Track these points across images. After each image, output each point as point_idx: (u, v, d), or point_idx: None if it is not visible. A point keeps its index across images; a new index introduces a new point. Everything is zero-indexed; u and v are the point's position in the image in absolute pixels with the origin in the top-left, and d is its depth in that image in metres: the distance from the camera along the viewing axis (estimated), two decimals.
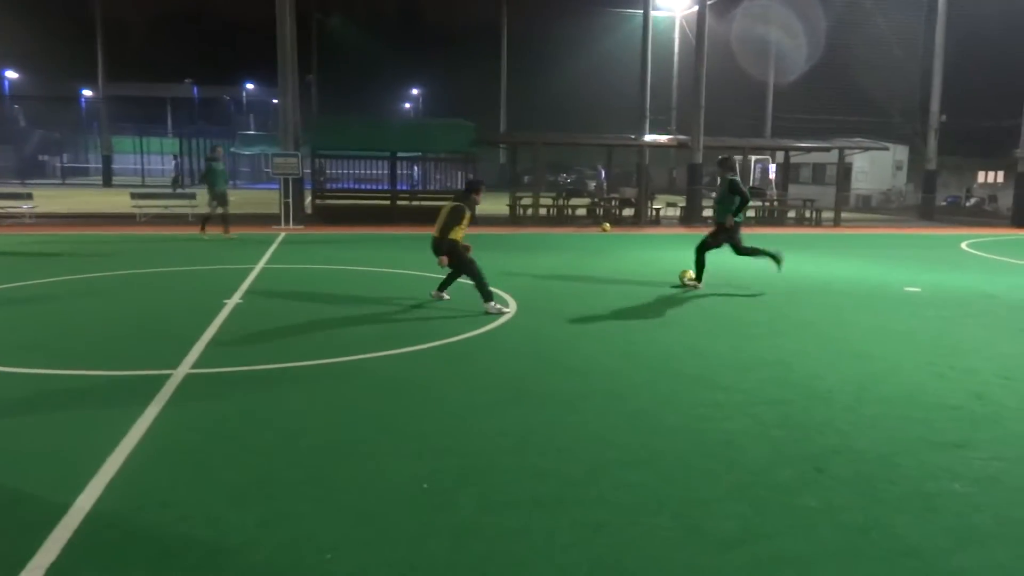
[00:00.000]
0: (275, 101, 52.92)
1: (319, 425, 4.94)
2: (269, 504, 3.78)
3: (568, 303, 9.45)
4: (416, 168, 31.27)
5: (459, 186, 19.33)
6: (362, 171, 27.70)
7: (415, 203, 22.69)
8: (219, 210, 16.14)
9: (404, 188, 26.23)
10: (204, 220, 16.43)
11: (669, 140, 26.91)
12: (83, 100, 52.96)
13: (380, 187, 25.33)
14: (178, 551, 3.32)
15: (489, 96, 42.51)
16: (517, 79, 43.25)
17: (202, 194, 18.37)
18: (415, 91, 61.06)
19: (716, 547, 3.45)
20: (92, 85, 46.32)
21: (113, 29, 41.87)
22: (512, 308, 8.95)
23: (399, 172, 25.02)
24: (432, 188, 27.72)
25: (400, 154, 23.90)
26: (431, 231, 8.87)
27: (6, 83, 52.60)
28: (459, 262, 8.84)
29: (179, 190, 27.69)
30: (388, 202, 22.27)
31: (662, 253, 15.32)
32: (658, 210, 24.78)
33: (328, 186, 24.29)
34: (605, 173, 27.88)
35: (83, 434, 4.68)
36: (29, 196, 20.84)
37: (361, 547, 3.39)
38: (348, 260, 13.29)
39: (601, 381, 6.07)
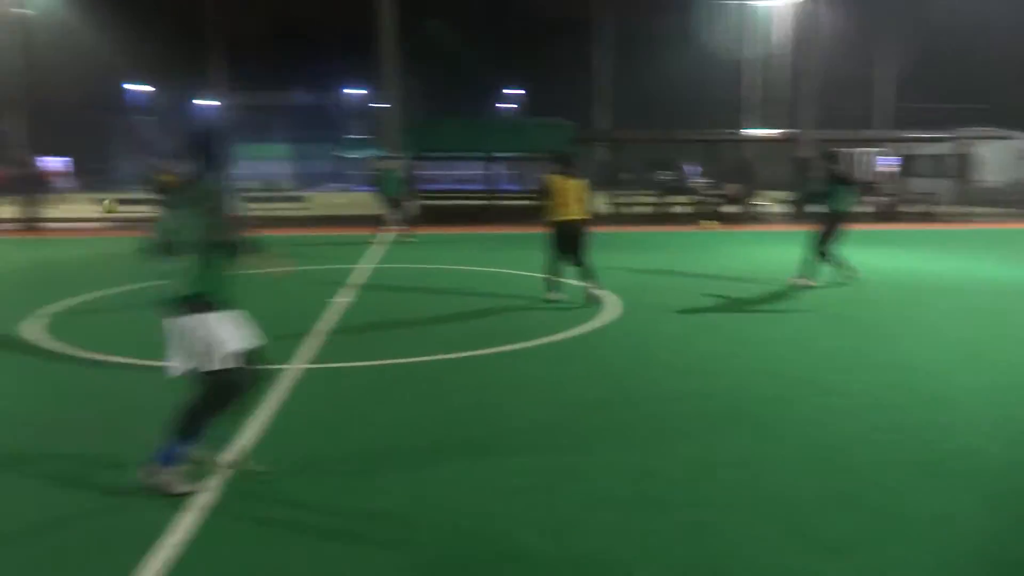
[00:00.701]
0: (378, 106, 54.77)
1: (424, 422, 5.10)
2: (375, 498, 3.95)
3: (672, 301, 9.37)
4: (508, 168, 31.59)
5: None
6: (461, 172, 28.27)
7: (511, 203, 22.93)
8: (396, 214, 16.75)
9: (501, 188, 26.52)
10: (379, 222, 17.00)
11: (774, 134, 26.11)
12: (204, 111, 56.04)
13: (475, 188, 25.71)
14: (282, 541, 3.52)
15: (588, 94, 42.37)
16: (616, 76, 42.93)
17: (352, 198, 19.11)
18: (513, 91, 61.55)
19: (821, 552, 3.37)
20: (213, 96, 49.08)
21: (232, 44, 44.13)
22: (614, 306, 8.93)
23: (495, 172, 25.32)
24: (531, 188, 27.91)
25: (497, 154, 24.18)
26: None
27: (136, 97, 56.31)
28: (586, 242, 8.98)
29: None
30: (485, 202, 22.59)
31: (767, 250, 14.91)
32: (763, 206, 24.10)
33: (426, 187, 24.87)
34: (694, 170, 27.33)
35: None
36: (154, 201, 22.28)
37: (466, 538, 3.50)
38: (448, 259, 13.58)
39: (706, 380, 6.00)
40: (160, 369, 6.16)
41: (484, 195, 23.08)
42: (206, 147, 3.97)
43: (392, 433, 4.88)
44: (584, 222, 9.13)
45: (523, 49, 52.62)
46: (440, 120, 27.71)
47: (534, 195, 9.91)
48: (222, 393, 3.85)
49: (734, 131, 27.13)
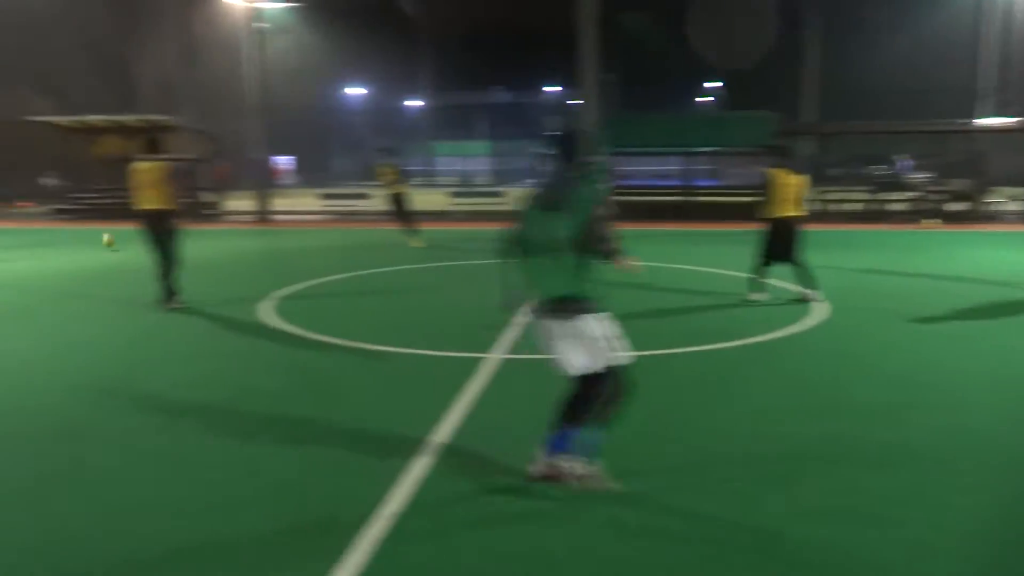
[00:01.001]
0: (575, 102, 55.27)
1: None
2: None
3: (887, 305, 8.68)
4: (707, 164, 30.64)
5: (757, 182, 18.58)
6: (655, 167, 27.86)
7: (710, 199, 22.26)
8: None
9: (699, 184, 25.78)
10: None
11: (1012, 123, 23.31)
12: (412, 110, 59.52)
13: (670, 184, 25.21)
14: (494, 508, 3.66)
15: (793, 85, 40.09)
16: (826, 65, 40.27)
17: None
18: (713, 84, 59.62)
19: None
20: (419, 96, 52.05)
21: (438, 46, 46.52)
22: (822, 307, 8.43)
23: (694, 168, 24.66)
24: (732, 184, 26.96)
25: (697, 149, 23.55)
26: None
27: (352, 99, 60.89)
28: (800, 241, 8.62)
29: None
30: (683, 198, 22.10)
31: (1000, 252, 13.38)
32: (997, 204, 21.63)
33: (621, 184, 24.72)
34: (906, 165, 24.93)
35: (417, 403, 5.31)
36: (365, 196, 23.96)
37: (665, 540, 3.46)
38: (646, 255, 13.38)
39: (926, 392, 5.51)
40: (363, 351, 6.71)
41: (682, 191, 22.59)
42: (567, 145, 3.84)
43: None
44: (801, 220, 8.69)
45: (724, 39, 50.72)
46: (638, 115, 27.45)
47: (755, 191, 9.52)
48: (593, 395, 3.81)
49: (965, 121, 24.53)
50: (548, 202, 3.80)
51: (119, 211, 23.13)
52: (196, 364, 6.54)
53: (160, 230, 8.80)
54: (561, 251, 3.69)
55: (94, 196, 24.18)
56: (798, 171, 8.72)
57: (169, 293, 8.82)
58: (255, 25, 23.70)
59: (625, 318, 8.08)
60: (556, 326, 3.79)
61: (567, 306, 3.74)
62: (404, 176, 14.51)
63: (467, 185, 36.95)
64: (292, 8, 35.35)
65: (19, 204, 26.90)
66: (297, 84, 39.56)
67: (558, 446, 3.86)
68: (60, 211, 23.92)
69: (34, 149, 27.63)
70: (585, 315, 3.76)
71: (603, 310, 3.84)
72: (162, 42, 30.78)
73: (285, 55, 35.53)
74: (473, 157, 54.36)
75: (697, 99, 59.99)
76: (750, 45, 43.32)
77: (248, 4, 24.27)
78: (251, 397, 5.56)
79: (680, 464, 4.30)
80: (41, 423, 5.03)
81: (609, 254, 3.79)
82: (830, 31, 38.23)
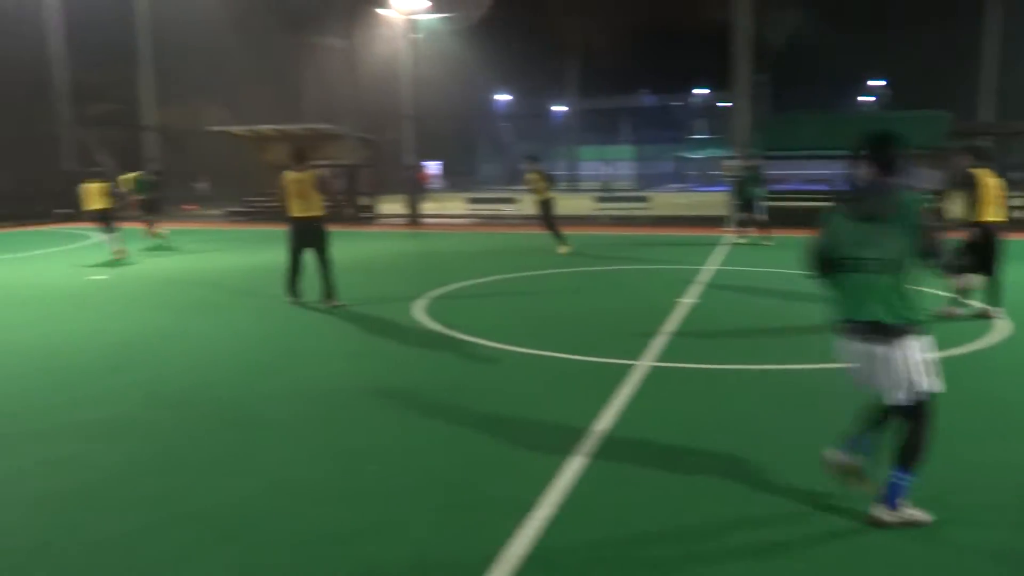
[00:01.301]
0: (724, 104, 53.69)
1: (772, 430, 4.87)
2: (718, 496, 3.85)
3: None
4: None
5: (926, 186, 17.27)
6: (812, 171, 26.53)
7: None
8: (748, 216, 16.50)
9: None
10: (751, 224, 16.62)
11: None
12: (557, 116, 59.99)
13: (826, 187, 23.89)
14: (639, 528, 3.58)
15: (967, 82, 37.03)
16: (1005, 61, 36.89)
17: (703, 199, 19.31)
18: (879, 83, 56.12)
19: None
20: (565, 102, 52.35)
21: (584, 51, 46.58)
22: (1004, 324, 7.70)
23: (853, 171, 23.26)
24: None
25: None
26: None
27: (499, 104, 62.16)
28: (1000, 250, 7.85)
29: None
30: None
31: None
32: None
33: (776, 188, 23.72)
34: None
35: (567, 408, 5.31)
36: (512, 200, 24.33)
37: (800, 549, 3.26)
38: (800, 264, 12.80)
39: None
40: (511, 353, 6.78)
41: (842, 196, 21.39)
42: (884, 150, 3.48)
43: (729, 440, 4.72)
44: (1002, 226, 7.94)
45: (888, 36, 47.63)
46: (797, 116, 26.27)
47: (947, 192, 8.80)
48: (924, 422, 3.52)
49: None
50: (867, 212, 3.45)
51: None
52: (354, 360, 6.86)
53: (309, 236, 9.25)
54: (893, 267, 3.37)
55: (264, 200, 26.03)
56: (995, 172, 8.00)
57: (329, 292, 9.31)
58: (410, 36, 24.67)
59: (777, 330, 7.77)
60: (878, 350, 3.44)
61: (893, 328, 3.40)
62: (550, 182, 14.58)
63: (611, 190, 36.75)
64: (444, 19, 36.57)
65: (185, 207, 29.27)
66: (446, 91, 40.83)
67: (896, 490, 3.53)
68: (233, 213, 25.88)
69: (207, 156, 30.12)
70: (913, 338, 3.42)
71: (926, 332, 3.46)
72: (326, 56, 32.70)
73: (436, 64, 36.76)
74: (618, 161, 54.01)
75: (859, 98, 56.64)
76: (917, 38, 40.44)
77: (404, 17, 25.32)
78: (406, 393, 5.76)
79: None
80: (219, 410, 5.44)
81: (946, 268, 3.53)
82: (1009, 23, 35.02)
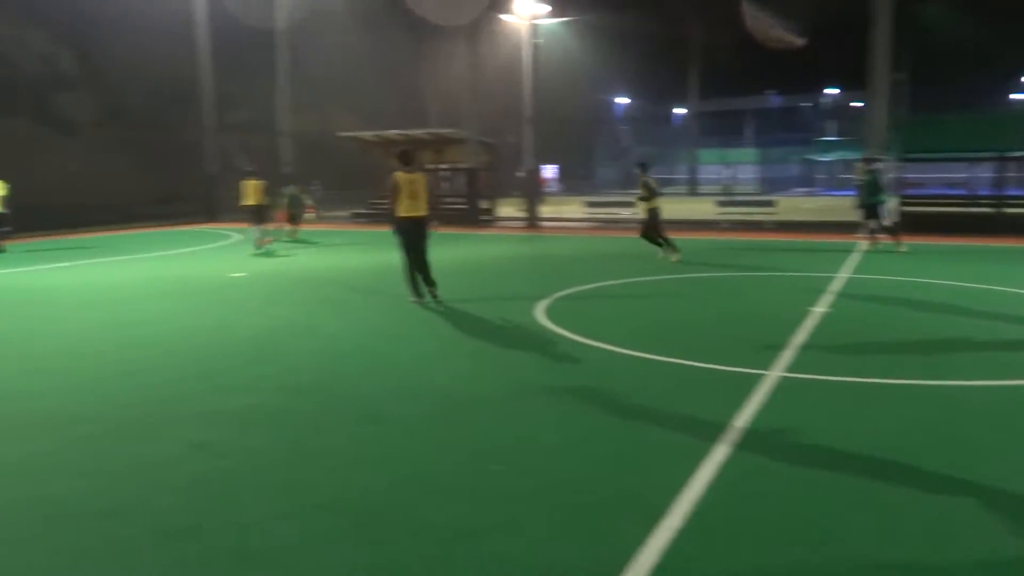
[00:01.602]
0: (855, 104, 50.98)
1: (917, 448, 4.53)
2: (854, 516, 3.60)
3: None
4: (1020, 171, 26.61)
5: None
6: (951, 175, 24.79)
7: None
8: (876, 221, 15.78)
9: (1013, 194, 22.50)
10: (886, 231, 15.83)
11: None
12: (676, 118, 58.91)
13: (968, 192, 22.23)
14: (773, 544, 3.39)
15: None
16: None
17: (789, 203, 18.62)
18: None
19: None
20: (685, 104, 51.32)
21: (706, 52, 45.50)
22: None
23: (1001, 175, 21.54)
24: None
25: (1012, 154, 20.56)
26: None
27: (618, 107, 61.67)
28: None
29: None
30: (991, 210, 19.40)
31: None
32: None
33: (912, 192, 22.33)
34: None
35: (694, 417, 5.15)
36: (630, 204, 23.98)
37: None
38: (938, 273, 11.98)
39: None
40: (632, 358, 6.62)
41: (990, 201, 19.85)
42: None
43: (868, 458, 4.42)
44: None
45: None
46: (939, 116, 24.65)
47: None
48: None
49: None
50: None
51: None
52: (476, 359, 6.92)
53: (417, 235, 9.56)
54: None
55: (388, 203, 26.84)
56: None
57: (417, 289, 9.66)
58: (531, 41, 24.83)
59: (912, 342, 7.25)
60: None
61: None
62: (656, 190, 14.22)
63: (734, 194, 35.67)
64: (565, 23, 36.63)
65: (309, 209, 30.51)
66: (566, 95, 40.85)
67: None
68: (357, 215, 26.85)
69: (336, 160, 31.35)
70: None
71: None
72: (450, 61, 33.42)
73: (556, 67, 36.85)
74: (740, 165, 52.40)
75: (1011, 96, 52.47)
76: None
77: (526, 22, 25.51)
78: (528, 395, 5.75)
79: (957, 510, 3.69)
80: (346, 404, 5.60)
81: None
82: None
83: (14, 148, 24.12)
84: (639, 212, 14.66)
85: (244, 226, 19.21)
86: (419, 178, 9.64)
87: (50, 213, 22.03)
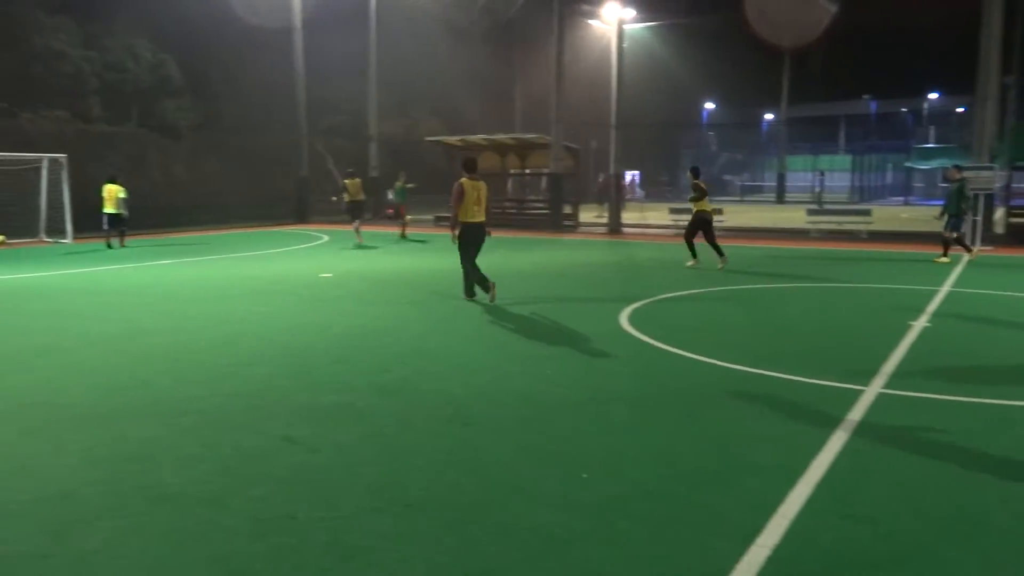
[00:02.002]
0: (960, 110, 48.54)
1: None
2: (945, 547, 3.40)
3: None
4: None
5: None
6: None
7: None
8: (964, 232, 15.17)
9: None
10: (958, 242, 15.13)
11: None
12: (764, 124, 57.45)
13: None
14: (876, 572, 3.24)
15: None
16: None
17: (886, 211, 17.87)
18: None
19: None
20: (774, 109, 49.99)
21: (798, 55, 44.20)
22: None
23: None
24: None
25: None
26: None
27: (705, 113, 60.59)
28: None
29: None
30: None
31: None
32: None
33: (1019, 203, 21.10)
34: None
35: (787, 432, 4.99)
36: (720, 211, 23.42)
37: None
38: None
39: None
40: (717, 368, 6.45)
41: None
42: None
43: (974, 486, 4.17)
44: None
45: None
46: None
47: None
48: None
49: None
50: None
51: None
52: (559, 363, 6.89)
53: (478, 239, 10.04)
54: None
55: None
56: None
57: (472, 290, 10.16)
58: (618, 47, 24.66)
59: (1017, 363, 6.83)
60: None
61: None
62: (706, 192, 14.02)
63: (825, 202, 34.48)
64: (653, 27, 36.26)
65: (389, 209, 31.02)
66: (651, 99, 40.43)
67: None
68: (440, 218, 27.21)
69: (422, 164, 31.86)
70: None
71: None
72: (536, 66, 33.56)
73: (644, 72, 36.51)
74: (832, 172, 50.64)
75: None
76: None
77: (613, 26, 25.37)
78: (613, 401, 5.69)
79: None
80: (432, 404, 5.67)
81: None
82: None
83: (125, 151, 25.53)
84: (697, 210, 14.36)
85: (334, 227, 19.75)
86: (482, 185, 10.07)
87: (155, 213, 23.23)
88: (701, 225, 14.02)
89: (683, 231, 15.47)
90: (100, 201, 17.50)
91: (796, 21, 35.45)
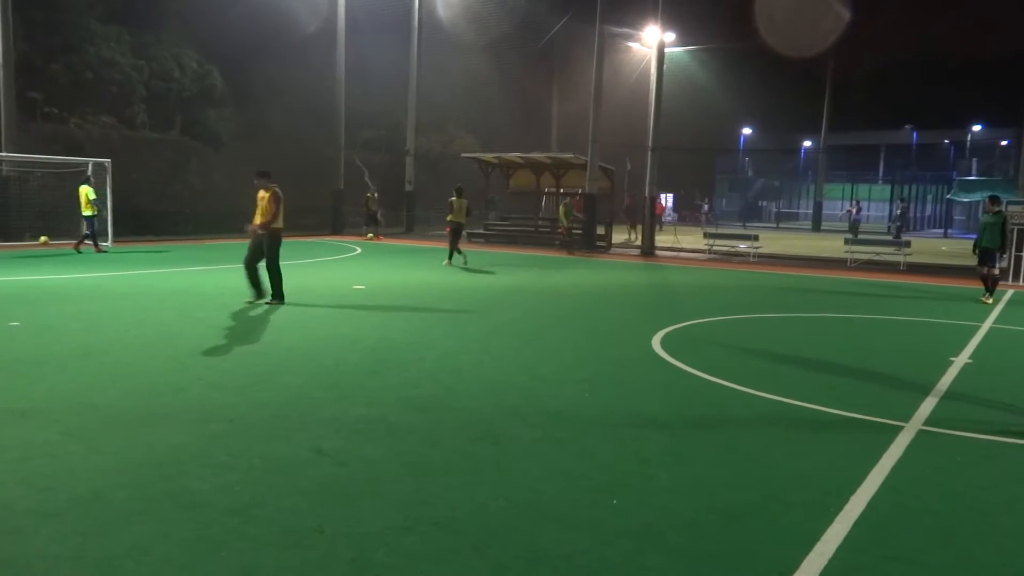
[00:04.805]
0: (1004, 143, 47.63)
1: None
2: None
3: None
4: None
5: None
6: None
7: None
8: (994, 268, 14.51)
9: None
10: (984, 278, 14.21)
11: None
12: (803, 151, 56.88)
13: None
14: None
15: None
16: None
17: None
18: None
19: None
20: (813, 136, 49.52)
21: (840, 83, 43.82)
22: None
23: None
24: None
25: None
26: None
27: (742, 138, 60.19)
28: None
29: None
30: None
31: None
32: None
33: None
34: None
35: (826, 466, 4.86)
36: (755, 238, 23.21)
37: None
38: None
39: None
40: (751, 397, 6.32)
41: None
42: None
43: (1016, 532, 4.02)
44: None
45: None
46: None
47: None
48: None
49: None
50: None
51: (522, 237, 25.72)
52: (591, 385, 6.81)
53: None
54: None
55: (502, 224, 27.24)
56: None
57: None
58: (658, 70, 24.62)
59: None
60: None
61: None
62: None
63: (863, 232, 33.96)
64: (692, 51, 36.21)
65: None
66: (689, 122, 40.26)
67: None
68: (472, 235, 27.27)
69: (457, 181, 32.00)
70: None
71: None
72: (573, 87, 33.66)
73: (682, 95, 36.41)
74: (871, 202, 49.95)
75: None
76: None
77: (653, 49, 25.35)
78: (645, 427, 5.60)
79: None
80: (462, 421, 5.63)
81: None
82: None
83: (167, 158, 26.01)
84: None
85: (364, 240, 19.71)
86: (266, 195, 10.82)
87: (193, 219, 23.60)
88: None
89: (715, 256, 15.26)
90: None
91: (806, 30, 34.95)
